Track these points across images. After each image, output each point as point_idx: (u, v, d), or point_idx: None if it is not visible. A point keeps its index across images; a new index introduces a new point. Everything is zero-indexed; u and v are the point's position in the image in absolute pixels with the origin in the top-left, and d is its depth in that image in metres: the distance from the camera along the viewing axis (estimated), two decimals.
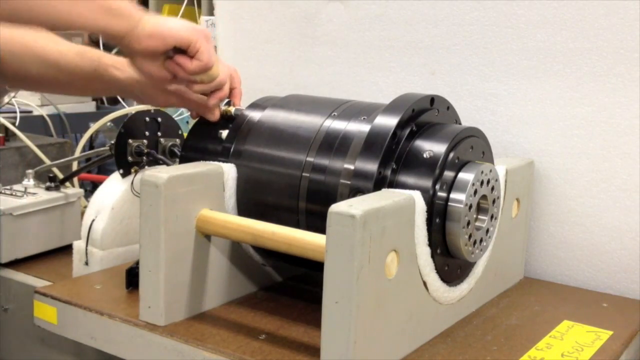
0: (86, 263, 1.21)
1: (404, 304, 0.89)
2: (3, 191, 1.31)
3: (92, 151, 1.42)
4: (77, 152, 1.37)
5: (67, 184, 1.40)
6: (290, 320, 0.99)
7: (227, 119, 1.10)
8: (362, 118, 1.00)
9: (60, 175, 1.40)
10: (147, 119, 1.25)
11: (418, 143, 0.95)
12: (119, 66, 1.08)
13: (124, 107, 1.35)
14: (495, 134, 1.23)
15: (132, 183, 1.21)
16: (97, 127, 1.30)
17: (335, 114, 1.03)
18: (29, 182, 1.36)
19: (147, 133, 1.25)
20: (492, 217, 1.00)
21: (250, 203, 1.03)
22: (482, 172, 0.95)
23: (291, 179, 1.00)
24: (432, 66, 1.30)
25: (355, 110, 1.03)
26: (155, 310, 0.95)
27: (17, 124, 1.67)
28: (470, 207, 0.94)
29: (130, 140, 1.22)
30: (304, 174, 0.99)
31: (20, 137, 1.56)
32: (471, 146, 0.98)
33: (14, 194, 1.31)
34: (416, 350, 0.92)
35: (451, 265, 0.97)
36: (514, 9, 1.21)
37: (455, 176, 0.94)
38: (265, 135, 1.05)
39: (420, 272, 0.91)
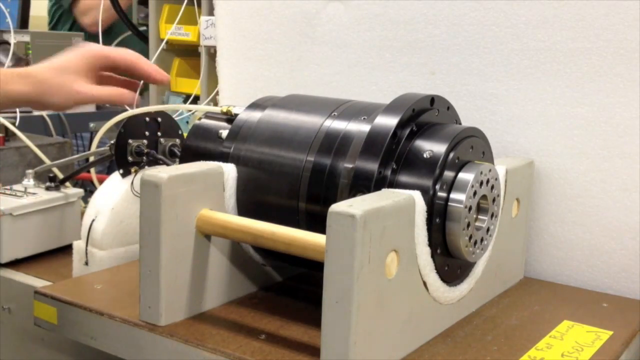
0: (86, 263, 1.21)
1: (404, 304, 0.89)
2: (3, 191, 1.31)
3: (92, 151, 1.42)
4: (94, 147, 1.39)
5: (67, 183, 1.40)
6: (290, 320, 0.99)
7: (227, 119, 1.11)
8: (362, 118, 1.00)
9: (60, 175, 1.40)
10: (147, 119, 1.25)
11: (418, 143, 0.95)
12: (16, 80, 1.03)
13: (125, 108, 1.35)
14: (495, 134, 1.23)
15: (132, 183, 1.21)
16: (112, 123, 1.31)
17: (335, 114, 1.03)
18: (29, 182, 1.36)
19: (147, 133, 1.25)
20: (492, 215, 1.00)
21: (250, 203, 1.03)
22: (481, 172, 0.95)
23: (291, 178, 1.00)
24: (432, 66, 1.30)
25: (355, 110, 1.03)
26: (155, 310, 0.95)
27: (17, 124, 1.67)
28: (471, 207, 0.94)
29: (130, 140, 1.22)
30: (304, 173, 0.99)
31: (20, 137, 1.56)
32: (471, 146, 0.98)
33: (14, 194, 1.31)
34: (416, 350, 0.92)
35: (451, 265, 0.97)
36: (514, 9, 1.21)
37: (455, 176, 0.94)
38: (266, 135, 1.05)
39: (420, 272, 0.91)
